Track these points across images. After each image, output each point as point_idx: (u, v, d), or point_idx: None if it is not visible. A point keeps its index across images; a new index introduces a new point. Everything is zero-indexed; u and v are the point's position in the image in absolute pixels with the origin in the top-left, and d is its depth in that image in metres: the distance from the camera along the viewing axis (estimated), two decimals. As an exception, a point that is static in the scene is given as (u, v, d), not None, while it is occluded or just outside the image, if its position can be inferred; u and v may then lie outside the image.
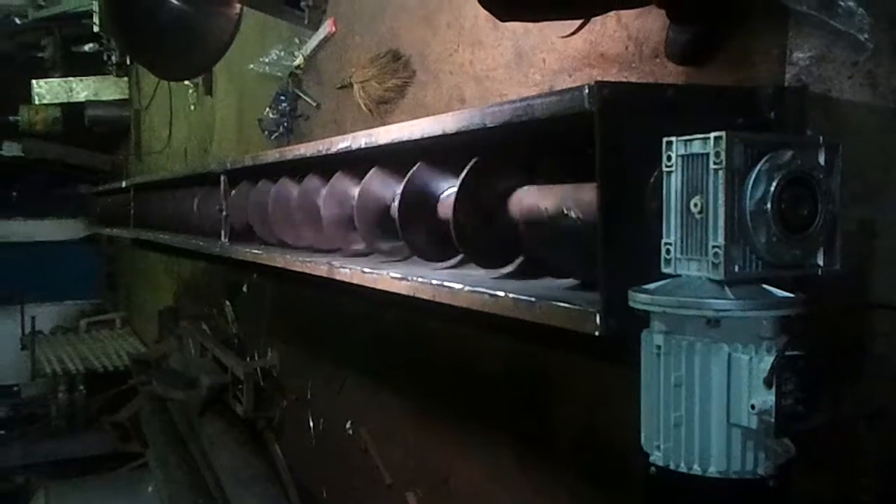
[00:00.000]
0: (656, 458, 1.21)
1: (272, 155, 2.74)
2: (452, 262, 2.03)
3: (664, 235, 1.25)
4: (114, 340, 8.48)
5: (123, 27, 3.15)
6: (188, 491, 4.60)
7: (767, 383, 1.10)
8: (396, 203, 2.01)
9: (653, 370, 1.21)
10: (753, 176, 1.18)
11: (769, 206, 1.18)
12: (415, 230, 1.99)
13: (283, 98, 4.01)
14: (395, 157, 2.09)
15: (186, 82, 5.98)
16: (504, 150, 1.75)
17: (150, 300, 7.87)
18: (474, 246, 1.80)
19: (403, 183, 1.98)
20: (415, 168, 1.97)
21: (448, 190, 1.93)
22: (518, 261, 1.79)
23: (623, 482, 1.90)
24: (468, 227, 1.76)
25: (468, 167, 1.73)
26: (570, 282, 1.66)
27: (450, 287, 1.72)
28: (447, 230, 1.79)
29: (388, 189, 2.15)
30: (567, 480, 2.21)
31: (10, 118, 8.79)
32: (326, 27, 3.58)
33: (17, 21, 8.78)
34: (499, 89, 2.39)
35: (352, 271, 2.14)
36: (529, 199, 1.70)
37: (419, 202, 1.97)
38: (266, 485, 4.15)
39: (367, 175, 2.18)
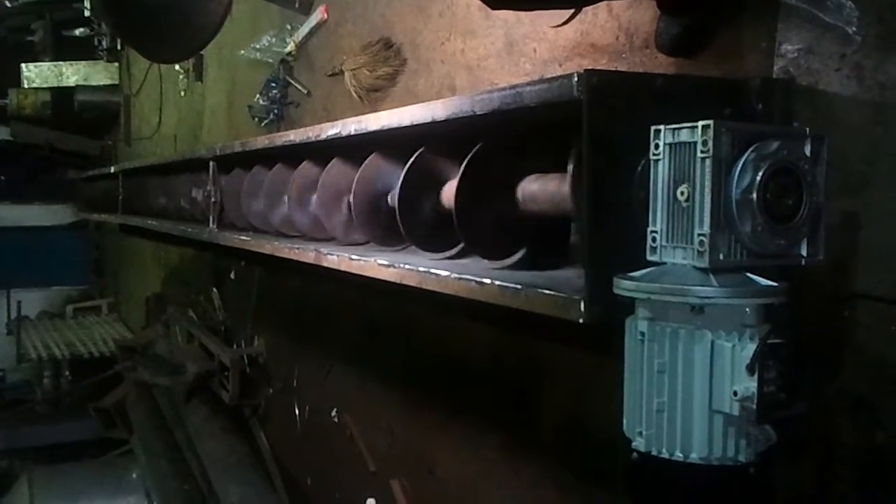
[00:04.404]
0: (638, 444, 1.22)
1: (261, 141, 2.74)
2: (451, 252, 1.97)
3: (650, 223, 1.26)
4: (100, 326, 8.45)
5: (113, 8, 3.13)
6: (173, 478, 4.60)
7: (750, 370, 1.11)
8: (397, 192, 1.94)
9: (636, 357, 1.22)
10: (740, 165, 1.19)
11: (755, 195, 1.19)
12: (415, 220, 1.92)
13: (273, 85, 4.00)
14: (387, 144, 2.08)
15: (177, 67, 5.96)
16: (506, 136, 1.72)
17: (138, 286, 7.85)
18: (477, 237, 1.75)
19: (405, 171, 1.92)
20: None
21: (450, 180, 1.87)
22: (520, 253, 1.75)
23: (607, 470, 1.92)
24: (471, 218, 1.70)
25: (471, 154, 1.69)
26: (572, 272, 1.65)
27: (436, 274, 1.72)
28: (448, 220, 1.74)
29: (386, 177, 2.10)
30: (551, 469, 2.22)
31: (-1, 102, 8.74)
32: (318, 14, 3.57)
33: (8, 4, 8.72)
34: (490, 78, 2.39)
35: (339, 258, 2.14)
36: (532, 188, 1.68)
37: (419, 191, 1.91)
38: (251, 472, 4.15)
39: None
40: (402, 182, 1.90)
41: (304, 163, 2.45)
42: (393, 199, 1.99)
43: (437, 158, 1.92)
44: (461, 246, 1.88)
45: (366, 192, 2.10)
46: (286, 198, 2.54)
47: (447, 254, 1.93)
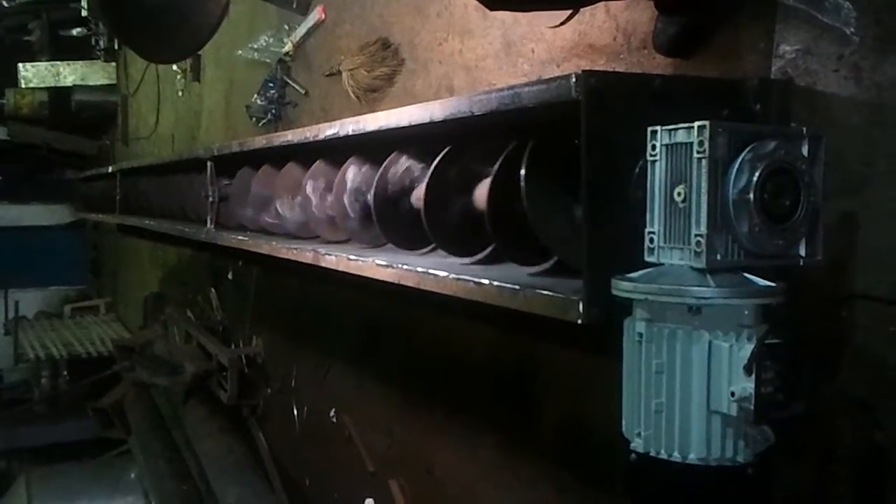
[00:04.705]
0: (637, 444, 1.22)
1: (259, 141, 2.74)
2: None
3: (648, 224, 1.26)
4: (98, 326, 8.43)
5: (111, 8, 3.13)
6: (171, 478, 4.59)
7: (747, 371, 1.11)
8: (422, 192, 1.86)
9: (634, 357, 1.22)
10: (737, 166, 1.19)
11: (752, 195, 1.19)
12: (442, 222, 1.85)
13: (271, 85, 3.99)
14: (394, 143, 2.07)
15: (174, 67, 5.95)
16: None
17: (136, 286, 7.84)
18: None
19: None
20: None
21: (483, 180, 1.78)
22: (487, 250, 1.73)
23: (606, 471, 1.92)
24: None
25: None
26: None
27: (435, 274, 1.72)
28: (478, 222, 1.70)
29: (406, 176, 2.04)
30: (550, 470, 2.22)
31: (-4, 101, 8.72)
32: (316, 14, 3.57)
33: (5, 3, 8.71)
34: (488, 79, 2.39)
35: (337, 258, 2.13)
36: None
37: (444, 192, 1.85)
38: (249, 472, 4.15)
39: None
40: (429, 182, 1.81)
41: (318, 162, 2.40)
42: (418, 199, 1.91)
43: (466, 157, 1.85)
44: (490, 249, 1.81)
45: (385, 192, 2.03)
46: (282, 197, 2.54)
47: (476, 258, 1.86)
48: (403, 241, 2.07)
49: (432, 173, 1.81)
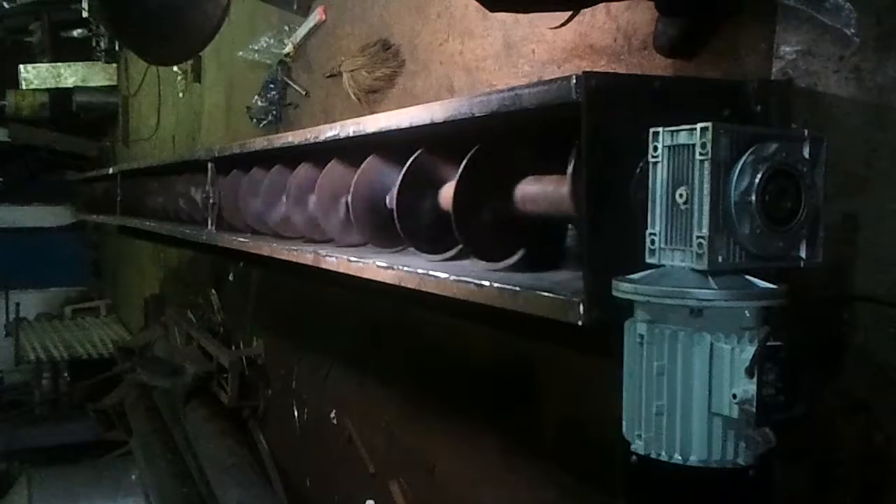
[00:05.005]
0: (637, 446, 1.21)
1: (260, 142, 2.73)
2: (450, 253, 1.98)
3: (649, 226, 1.25)
4: (99, 328, 8.45)
5: (111, 10, 3.14)
6: (172, 479, 4.60)
7: (749, 373, 1.10)
8: (394, 194, 1.90)
9: (635, 359, 1.22)
10: (738, 167, 1.19)
11: (753, 197, 1.19)
12: (413, 221, 1.91)
13: (272, 86, 4.00)
14: (384, 146, 2.08)
15: (175, 69, 5.96)
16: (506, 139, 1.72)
17: (136, 288, 7.85)
18: (475, 238, 1.74)
19: (402, 173, 1.90)
20: (415, 156, 1.91)
21: (447, 181, 1.85)
22: (519, 254, 1.74)
23: (606, 472, 1.91)
24: (469, 219, 1.70)
25: (468, 157, 1.68)
26: (570, 274, 1.65)
27: (435, 276, 1.72)
28: (447, 221, 1.72)
29: (385, 178, 2.08)
30: (551, 471, 2.22)
31: (-3, 103, 8.73)
32: (316, 15, 3.57)
33: (6, 4, 8.71)
34: (488, 79, 2.39)
35: (338, 260, 2.13)
36: (530, 190, 1.68)
37: (417, 193, 1.90)
38: (250, 473, 4.15)
39: (364, 163, 2.15)
40: (401, 183, 1.86)
41: (302, 165, 2.43)
42: (391, 199, 1.95)
43: (436, 159, 1.89)
44: (459, 247, 1.85)
45: (364, 193, 2.07)
46: (284, 199, 2.53)
47: (446, 255, 1.90)
48: (379, 240, 2.08)
49: (404, 175, 1.83)
